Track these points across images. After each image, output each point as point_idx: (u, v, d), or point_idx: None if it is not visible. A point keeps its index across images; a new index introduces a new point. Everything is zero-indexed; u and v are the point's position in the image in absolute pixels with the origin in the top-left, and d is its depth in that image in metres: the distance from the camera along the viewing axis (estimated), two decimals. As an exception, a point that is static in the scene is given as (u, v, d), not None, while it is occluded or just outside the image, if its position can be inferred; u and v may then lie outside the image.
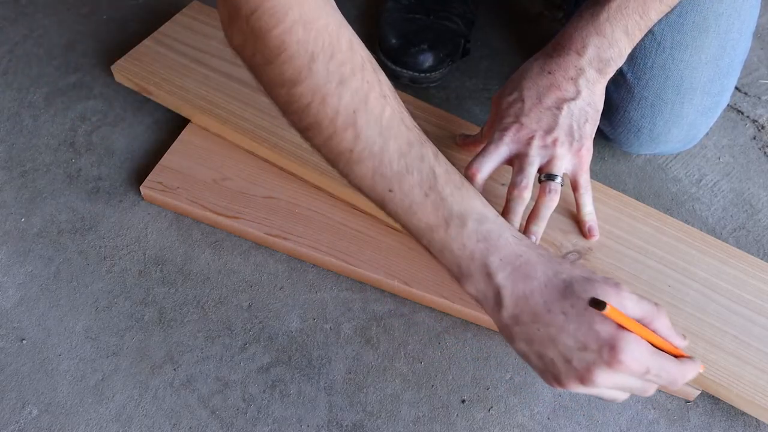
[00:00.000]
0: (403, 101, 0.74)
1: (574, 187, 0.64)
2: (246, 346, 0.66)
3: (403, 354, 0.66)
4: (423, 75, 0.86)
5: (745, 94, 0.91)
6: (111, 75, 0.84)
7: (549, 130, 0.60)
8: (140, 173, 0.78)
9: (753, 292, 0.66)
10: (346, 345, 0.67)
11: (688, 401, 0.64)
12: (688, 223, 0.77)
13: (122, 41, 0.93)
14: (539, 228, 0.62)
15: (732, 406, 0.63)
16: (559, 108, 0.60)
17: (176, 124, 0.83)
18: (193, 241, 0.73)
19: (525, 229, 0.62)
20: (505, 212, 0.61)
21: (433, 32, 0.86)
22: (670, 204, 0.79)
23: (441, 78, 0.89)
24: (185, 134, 0.79)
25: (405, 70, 0.86)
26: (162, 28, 0.86)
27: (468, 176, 0.61)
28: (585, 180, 0.64)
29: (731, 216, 0.78)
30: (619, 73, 0.72)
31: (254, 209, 0.72)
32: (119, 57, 0.83)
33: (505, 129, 0.61)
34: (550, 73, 0.61)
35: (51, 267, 0.71)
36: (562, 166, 0.61)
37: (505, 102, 0.62)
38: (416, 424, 0.62)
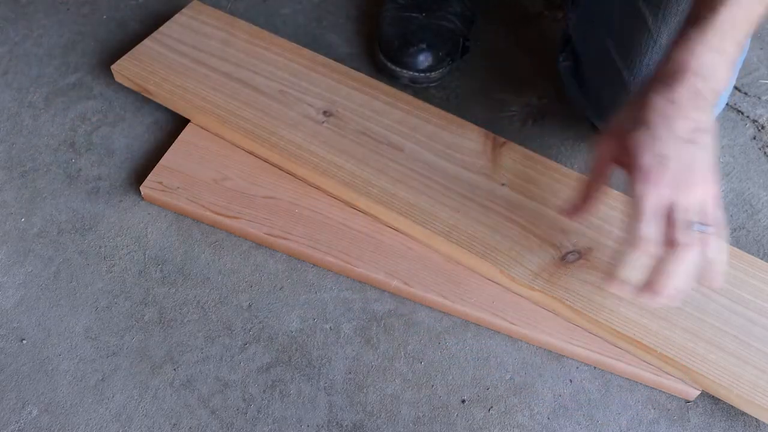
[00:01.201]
0: (403, 101, 0.74)
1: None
2: (246, 346, 0.66)
3: (403, 354, 0.66)
4: (422, 75, 0.86)
5: (745, 94, 0.91)
6: (111, 75, 0.84)
7: (697, 168, 0.54)
8: (140, 173, 0.78)
9: (753, 292, 0.66)
10: (346, 345, 0.67)
11: (688, 401, 0.64)
12: (688, 223, 0.77)
13: (122, 41, 0.93)
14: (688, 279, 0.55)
15: (732, 406, 0.63)
16: (695, 141, 0.54)
17: (176, 124, 0.83)
18: (193, 241, 0.73)
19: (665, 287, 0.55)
20: (658, 273, 0.55)
21: (431, 32, 0.86)
22: (670, 204, 0.79)
23: (441, 78, 0.89)
24: (185, 134, 0.79)
25: (404, 70, 0.86)
26: (162, 28, 0.86)
27: (635, 242, 0.55)
28: (721, 221, 0.56)
29: (731, 216, 0.78)
30: (616, 71, 0.72)
31: (254, 209, 0.72)
32: (119, 57, 0.83)
33: (648, 174, 0.54)
34: (674, 102, 0.54)
35: (51, 267, 0.71)
36: (709, 209, 0.55)
37: (633, 138, 0.55)
38: (416, 424, 0.62)
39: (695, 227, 0.54)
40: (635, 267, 0.55)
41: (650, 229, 0.54)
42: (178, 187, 0.74)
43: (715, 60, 0.54)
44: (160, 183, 0.74)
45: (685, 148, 0.54)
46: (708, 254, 0.54)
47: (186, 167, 0.75)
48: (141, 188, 0.74)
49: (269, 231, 0.71)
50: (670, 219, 0.54)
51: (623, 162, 0.56)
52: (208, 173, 0.75)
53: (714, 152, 0.55)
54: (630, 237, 0.55)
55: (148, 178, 0.75)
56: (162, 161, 0.76)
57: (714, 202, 0.55)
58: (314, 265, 0.72)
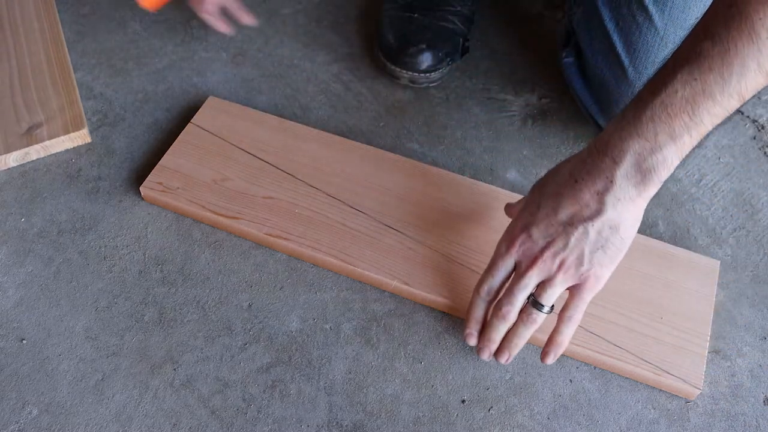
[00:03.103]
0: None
1: (561, 312, 0.57)
2: (246, 346, 0.66)
3: (403, 354, 0.66)
4: (422, 75, 0.86)
5: (745, 94, 0.91)
6: (111, 75, 0.84)
7: (556, 252, 0.53)
8: (140, 173, 0.78)
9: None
10: (346, 345, 0.67)
11: (688, 401, 0.64)
12: (688, 223, 0.77)
13: (122, 41, 0.93)
14: (515, 347, 0.59)
15: (729, 406, 0.63)
16: (573, 226, 0.52)
17: (176, 124, 0.83)
18: (193, 241, 0.73)
19: (500, 346, 0.60)
20: (487, 327, 0.60)
21: (431, 32, 0.86)
22: (670, 204, 0.79)
23: (441, 78, 0.89)
24: (185, 135, 0.79)
25: (404, 71, 0.86)
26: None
27: (478, 293, 0.60)
28: (576, 312, 0.56)
29: (731, 216, 0.78)
30: (620, 67, 0.72)
31: (254, 209, 0.72)
32: (119, 57, 0.83)
33: (513, 240, 0.56)
34: (576, 181, 0.52)
35: (51, 267, 0.71)
36: (555, 294, 0.55)
37: (525, 201, 0.57)
38: (416, 424, 0.62)
39: (530, 299, 0.56)
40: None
41: (486, 288, 0.58)
42: (178, 188, 0.74)
43: (640, 147, 0.49)
44: (160, 183, 0.74)
45: (558, 231, 0.53)
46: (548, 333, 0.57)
47: (186, 167, 0.75)
48: (141, 189, 0.74)
49: (269, 231, 0.71)
50: (510, 288, 0.56)
51: None
52: (207, 173, 0.75)
53: (597, 245, 0.52)
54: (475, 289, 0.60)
55: (147, 178, 0.75)
56: (162, 161, 0.76)
57: (564, 289, 0.55)
58: (314, 265, 0.72)
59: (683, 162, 0.83)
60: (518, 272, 0.57)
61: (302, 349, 0.67)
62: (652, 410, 0.64)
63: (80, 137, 0.81)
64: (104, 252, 0.73)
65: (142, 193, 0.75)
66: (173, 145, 0.77)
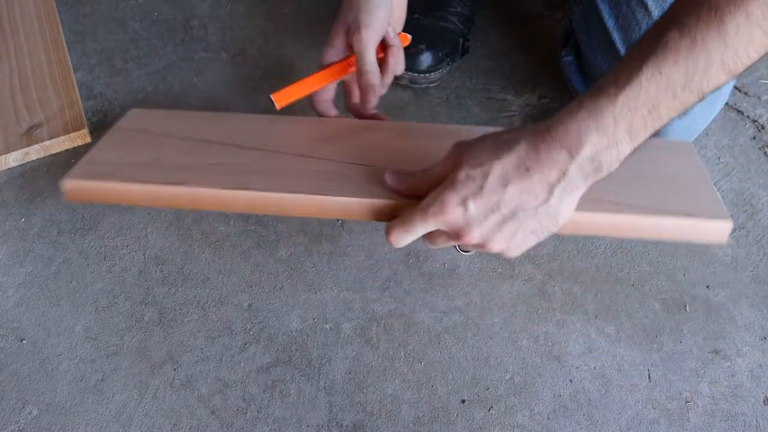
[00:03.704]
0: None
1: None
2: (246, 346, 0.66)
3: (403, 354, 0.66)
4: (422, 75, 0.86)
5: (745, 94, 0.91)
6: (111, 75, 0.84)
7: (487, 236, 0.52)
8: (140, 173, 0.78)
9: None
10: (346, 345, 0.67)
11: (688, 401, 0.64)
12: (688, 223, 0.77)
13: (122, 41, 0.93)
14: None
15: (729, 406, 0.63)
16: (515, 215, 0.51)
17: (176, 124, 0.83)
18: (193, 241, 0.73)
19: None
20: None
21: (431, 32, 0.86)
22: (670, 204, 0.79)
23: (441, 78, 0.89)
24: (112, 133, 0.68)
25: (404, 71, 0.86)
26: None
27: (388, 238, 0.55)
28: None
29: (731, 216, 0.78)
30: None
31: (201, 173, 0.61)
32: (119, 57, 0.83)
33: (443, 211, 0.52)
34: (528, 170, 0.50)
35: (51, 267, 0.71)
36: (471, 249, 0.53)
37: (465, 172, 0.52)
38: (416, 424, 0.62)
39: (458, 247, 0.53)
40: None
41: (395, 240, 0.54)
42: (113, 171, 0.61)
43: (599, 141, 0.48)
44: (89, 172, 0.62)
45: (497, 221, 0.51)
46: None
47: (117, 157, 0.64)
48: (64, 183, 0.60)
49: (225, 185, 0.60)
50: (425, 242, 0.54)
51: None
52: (143, 156, 0.63)
53: (529, 230, 0.51)
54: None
55: (70, 171, 0.61)
56: (88, 156, 0.64)
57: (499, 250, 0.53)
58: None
59: (683, 162, 0.83)
60: (436, 236, 0.54)
61: (302, 349, 0.67)
62: (652, 410, 0.64)
63: (80, 137, 0.81)
64: (104, 252, 0.73)
65: (65, 190, 0.61)
66: (100, 141, 0.66)
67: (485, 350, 0.67)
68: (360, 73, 0.66)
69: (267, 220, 0.75)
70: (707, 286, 0.72)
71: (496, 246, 0.52)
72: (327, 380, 0.65)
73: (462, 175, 0.52)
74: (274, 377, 0.65)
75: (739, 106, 0.89)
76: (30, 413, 0.62)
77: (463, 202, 0.51)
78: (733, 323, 0.69)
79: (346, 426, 0.62)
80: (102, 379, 0.64)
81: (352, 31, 0.65)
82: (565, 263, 0.73)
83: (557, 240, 0.75)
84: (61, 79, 0.86)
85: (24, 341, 0.66)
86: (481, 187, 0.51)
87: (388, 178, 0.57)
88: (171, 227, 0.74)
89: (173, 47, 0.94)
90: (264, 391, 0.64)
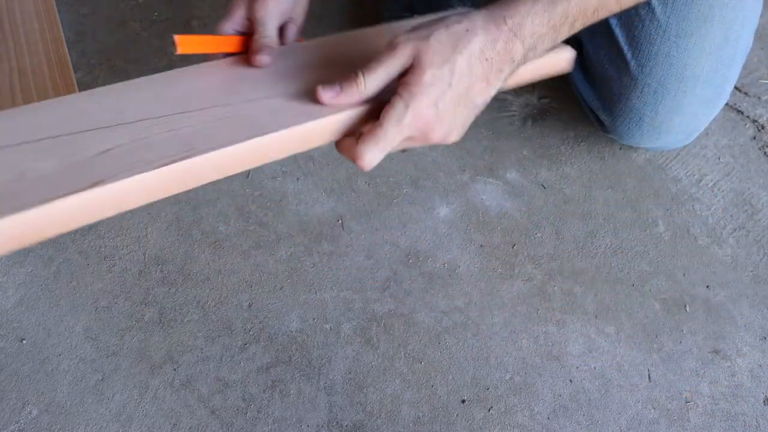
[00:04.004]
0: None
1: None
2: (246, 346, 0.66)
3: (403, 354, 0.66)
4: (423, 75, 0.86)
5: (745, 94, 0.91)
6: (111, 75, 0.84)
7: (450, 129, 0.53)
8: (140, 173, 0.78)
9: None
10: (346, 345, 0.67)
11: (688, 401, 0.64)
12: (688, 223, 0.77)
13: (122, 41, 0.93)
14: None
15: (729, 406, 0.63)
16: (474, 105, 0.53)
17: (176, 124, 0.83)
18: (193, 241, 0.73)
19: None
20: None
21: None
22: (670, 204, 0.79)
23: (441, 78, 0.88)
24: None
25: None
26: None
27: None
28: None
29: (731, 216, 0.78)
30: (622, 60, 0.72)
31: (115, 163, 0.43)
32: (119, 57, 0.83)
33: (421, 116, 0.51)
34: (487, 60, 0.52)
35: (51, 267, 0.71)
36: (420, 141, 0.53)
37: (431, 73, 0.51)
38: (416, 424, 0.62)
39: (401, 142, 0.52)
40: None
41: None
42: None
43: (545, 35, 0.52)
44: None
45: (462, 113, 0.52)
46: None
47: None
48: None
49: (160, 163, 0.43)
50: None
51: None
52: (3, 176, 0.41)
53: (472, 115, 0.53)
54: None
55: None
56: None
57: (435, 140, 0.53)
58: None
59: (684, 162, 0.83)
60: (403, 143, 0.53)
61: (302, 349, 0.67)
62: (652, 410, 0.64)
63: (80, 137, 0.81)
64: (104, 252, 0.73)
65: None
66: None
67: (485, 350, 0.67)
68: (256, 42, 0.63)
69: (267, 220, 0.75)
70: (707, 286, 0.72)
71: (453, 136, 0.53)
72: (327, 380, 0.65)
73: (428, 77, 0.52)
74: (274, 377, 0.65)
75: (739, 106, 0.89)
76: (30, 413, 0.62)
77: (435, 104, 0.52)
78: (733, 323, 0.69)
79: (346, 426, 0.62)
80: (102, 379, 0.64)
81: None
82: (565, 263, 0.73)
83: (557, 240, 0.75)
84: (61, 79, 0.86)
85: (24, 341, 0.66)
86: (450, 84, 0.52)
87: (325, 95, 0.52)
88: (171, 227, 0.74)
89: (173, 47, 0.93)
90: (264, 391, 0.64)
